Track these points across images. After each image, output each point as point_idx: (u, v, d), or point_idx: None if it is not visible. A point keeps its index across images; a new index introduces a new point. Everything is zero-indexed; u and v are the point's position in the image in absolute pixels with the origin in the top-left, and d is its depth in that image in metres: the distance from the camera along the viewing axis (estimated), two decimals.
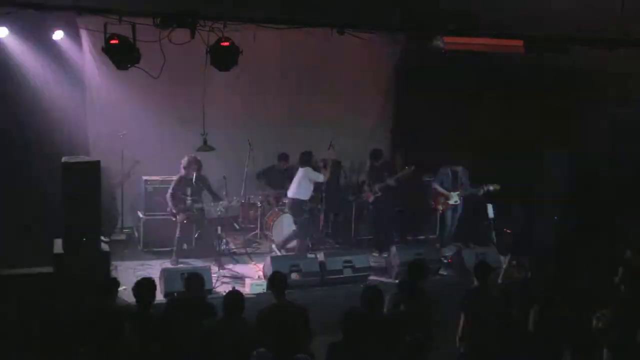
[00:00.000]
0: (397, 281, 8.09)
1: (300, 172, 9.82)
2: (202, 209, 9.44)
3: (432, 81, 11.45)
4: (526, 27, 8.52)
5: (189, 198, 9.35)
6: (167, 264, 9.25)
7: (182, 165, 9.32)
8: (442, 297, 6.82)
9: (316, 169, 9.95)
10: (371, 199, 10.32)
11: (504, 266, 7.90)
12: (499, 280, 7.31)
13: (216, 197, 9.55)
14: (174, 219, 9.43)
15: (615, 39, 8.05)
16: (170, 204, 9.37)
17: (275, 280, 6.22)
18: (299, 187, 9.77)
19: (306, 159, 9.86)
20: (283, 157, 10.77)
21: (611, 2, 7.57)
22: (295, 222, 9.87)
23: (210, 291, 8.24)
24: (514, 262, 7.49)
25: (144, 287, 5.97)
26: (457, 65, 10.83)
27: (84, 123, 10.23)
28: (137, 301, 5.95)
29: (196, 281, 6.37)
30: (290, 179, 10.18)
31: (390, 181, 10.15)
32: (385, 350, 5.41)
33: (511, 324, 5.88)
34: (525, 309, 6.15)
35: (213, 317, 6.00)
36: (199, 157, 9.27)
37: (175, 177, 9.43)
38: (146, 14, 6.77)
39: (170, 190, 9.37)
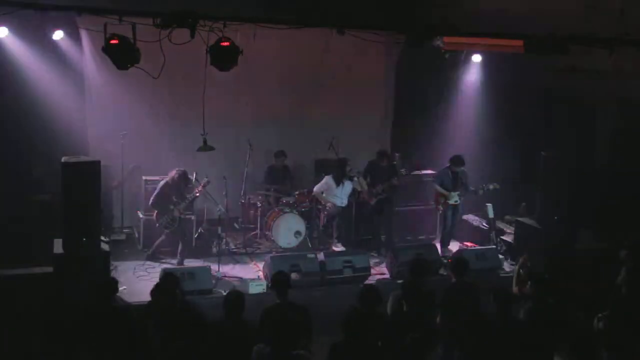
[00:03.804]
0: (399, 281, 8.07)
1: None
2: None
3: (432, 81, 11.49)
4: (526, 27, 8.52)
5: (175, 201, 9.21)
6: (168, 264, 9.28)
7: (172, 176, 9.12)
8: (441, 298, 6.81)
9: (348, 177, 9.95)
10: (373, 201, 10.28)
11: (517, 267, 7.60)
12: (514, 287, 7.13)
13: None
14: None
15: (615, 39, 8.05)
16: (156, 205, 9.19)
17: (278, 280, 6.22)
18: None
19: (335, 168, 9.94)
20: (281, 153, 10.76)
21: (611, 2, 7.57)
22: None
23: (210, 291, 8.25)
24: (529, 264, 7.31)
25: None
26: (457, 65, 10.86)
27: (84, 123, 10.24)
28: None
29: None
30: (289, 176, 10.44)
31: (395, 181, 10.11)
32: (386, 350, 5.40)
33: (490, 320, 5.84)
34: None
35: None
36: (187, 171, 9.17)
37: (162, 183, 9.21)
38: (146, 14, 6.78)
39: (152, 199, 9.18)
